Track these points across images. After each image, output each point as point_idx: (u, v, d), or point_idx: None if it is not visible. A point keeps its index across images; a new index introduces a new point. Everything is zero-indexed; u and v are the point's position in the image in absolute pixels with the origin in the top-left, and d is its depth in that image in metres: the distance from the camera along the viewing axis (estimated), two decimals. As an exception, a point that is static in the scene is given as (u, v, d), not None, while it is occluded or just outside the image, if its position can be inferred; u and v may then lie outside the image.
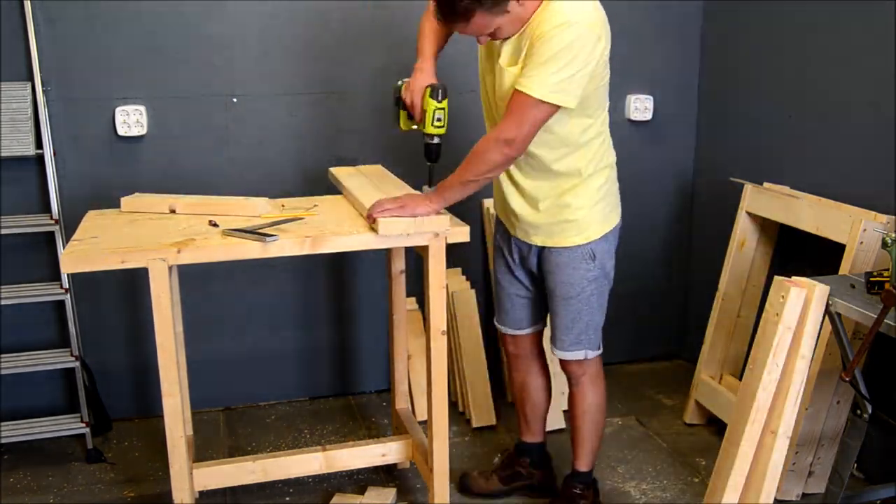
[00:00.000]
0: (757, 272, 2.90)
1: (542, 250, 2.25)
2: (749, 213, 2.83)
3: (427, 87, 2.15)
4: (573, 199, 2.15)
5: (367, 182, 2.45)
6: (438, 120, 2.15)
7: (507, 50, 2.05)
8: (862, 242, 2.32)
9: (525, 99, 1.94)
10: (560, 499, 2.48)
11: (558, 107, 1.96)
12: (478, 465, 2.74)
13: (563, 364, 2.35)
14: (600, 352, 2.34)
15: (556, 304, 2.26)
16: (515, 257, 2.33)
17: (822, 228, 2.48)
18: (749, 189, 2.82)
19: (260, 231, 2.07)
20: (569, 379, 2.38)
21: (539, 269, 2.29)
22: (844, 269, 2.33)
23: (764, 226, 2.85)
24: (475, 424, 3.02)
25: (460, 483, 2.61)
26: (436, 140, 2.18)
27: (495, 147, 1.99)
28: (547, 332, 2.40)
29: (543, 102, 1.93)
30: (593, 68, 1.96)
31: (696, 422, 3.02)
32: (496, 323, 2.48)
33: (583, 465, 2.44)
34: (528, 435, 2.58)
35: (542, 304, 2.39)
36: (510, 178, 2.21)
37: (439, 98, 2.13)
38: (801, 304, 2.03)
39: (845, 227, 2.38)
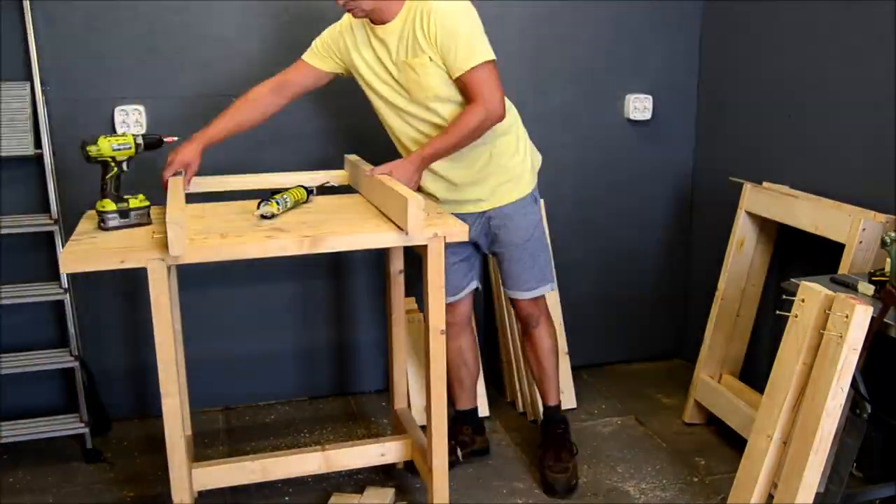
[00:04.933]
0: (756, 272, 2.90)
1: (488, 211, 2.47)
2: (748, 213, 2.83)
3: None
4: (508, 160, 2.43)
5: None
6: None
7: (397, 48, 2.29)
8: (861, 242, 2.32)
9: (482, 67, 2.20)
10: (549, 440, 2.65)
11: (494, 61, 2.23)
12: (476, 465, 2.75)
13: (524, 307, 2.56)
14: (554, 284, 2.61)
15: (516, 252, 2.49)
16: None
17: (822, 228, 2.48)
18: (748, 188, 2.82)
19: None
20: (528, 322, 2.59)
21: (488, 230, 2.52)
22: (844, 268, 2.33)
23: (763, 225, 2.84)
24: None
25: None
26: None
27: (487, 121, 2.24)
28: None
29: (491, 61, 2.21)
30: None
31: (695, 421, 3.02)
32: None
33: (554, 399, 2.69)
34: (465, 402, 2.79)
35: (474, 261, 2.62)
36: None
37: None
38: (867, 322, 1.86)
39: (844, 227, 2.38)
